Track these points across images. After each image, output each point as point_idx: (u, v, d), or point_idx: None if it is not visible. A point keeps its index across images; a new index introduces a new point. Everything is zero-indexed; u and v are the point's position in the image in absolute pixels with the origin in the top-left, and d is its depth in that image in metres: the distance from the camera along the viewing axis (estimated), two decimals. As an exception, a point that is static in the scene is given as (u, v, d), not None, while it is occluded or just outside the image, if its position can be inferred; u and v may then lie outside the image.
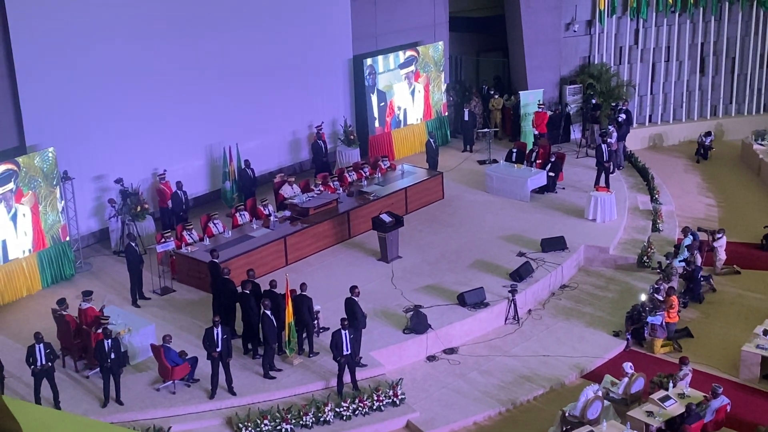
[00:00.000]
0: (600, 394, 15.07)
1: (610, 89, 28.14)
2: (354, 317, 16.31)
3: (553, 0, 27.89)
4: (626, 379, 15.69)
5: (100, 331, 15.66)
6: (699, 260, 20.13)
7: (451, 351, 17.64)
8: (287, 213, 21.19)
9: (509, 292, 18.51)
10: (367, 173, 23.67)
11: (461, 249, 21.00)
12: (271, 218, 20.85)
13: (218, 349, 15.48)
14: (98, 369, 15.82)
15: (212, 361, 15.56)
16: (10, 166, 18.42)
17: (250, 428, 14.83)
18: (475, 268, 20.01)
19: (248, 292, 16.70)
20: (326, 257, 20.71)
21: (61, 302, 16.70)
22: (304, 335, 16.91)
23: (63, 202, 19.57)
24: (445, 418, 15.62)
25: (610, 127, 25.90)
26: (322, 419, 15.22)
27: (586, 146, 27.15)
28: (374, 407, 15.60)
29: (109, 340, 15.29)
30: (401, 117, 27.15)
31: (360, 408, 15.49)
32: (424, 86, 27.53)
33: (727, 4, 29.46)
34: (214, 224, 20.39)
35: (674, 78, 29.94)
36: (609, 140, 24.54)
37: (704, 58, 30.09)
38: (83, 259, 20.44)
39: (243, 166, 22.96)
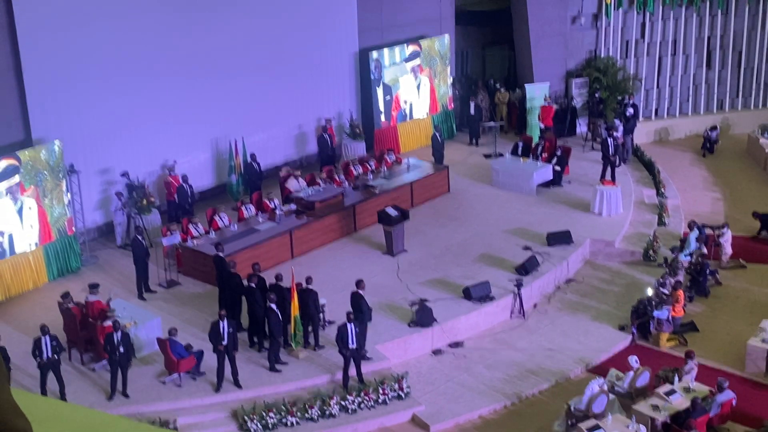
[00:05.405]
0: (605, 387, 15.07)
1: (617, 83, 28.09)
2: (359, 311, 16.33)
3: (560, -7, 27.89)
4: (632, 373, 15.70)
5: (109, 323, 15.70)
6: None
7: (456, 345, 17.65)
8: (293, 206, 21.19)
9: (515, 285, 18.51)
10: (373, 167, 23.64)
11: (467, 243, 21.00)
12: (277, 212, 20.86)
13: (224, 343, 15.50)
14: (105, 361, 15.87)
15: (218, 355, 15.58)
16: (11, 161, 18.41)
17: (255, 421, 14.86)
18: (481, 262, 20.01)
19: (254, 285, 16.72)
20: (332, 251, 20.71)
21: (66, 295, 16.74)
22: (310, 329, 16.93)
23: (69, 195, 19.60)
24: (451, 412, 15.64)
25: (616, 120, 25.85)
26: (327, 412, 15.25)
27: (591, 140, 27.11)
28: (380, 401, 15.62)
29: (119, 333, 15.33)
30: (407, 111, 27.13)
31: (365, 401, 15.51)
32: (429, 80, 27.49)
33: (733, -3, 29.43)
34: (220, 217, 20.42)
35: (680, 72, 29.87)
36: (615, 134, 24.50)
37: (711, 52, 30.03)
38: (89, 252, 20.47)
39: (249, 160, 22.96)
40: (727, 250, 20.87)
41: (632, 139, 26.61)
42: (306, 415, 15.13)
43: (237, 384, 15.75)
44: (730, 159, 27.96)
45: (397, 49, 26.57)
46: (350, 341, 15.60)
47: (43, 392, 15.21)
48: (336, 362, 16.20)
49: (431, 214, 22.61)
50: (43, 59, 19.36)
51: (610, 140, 23.91)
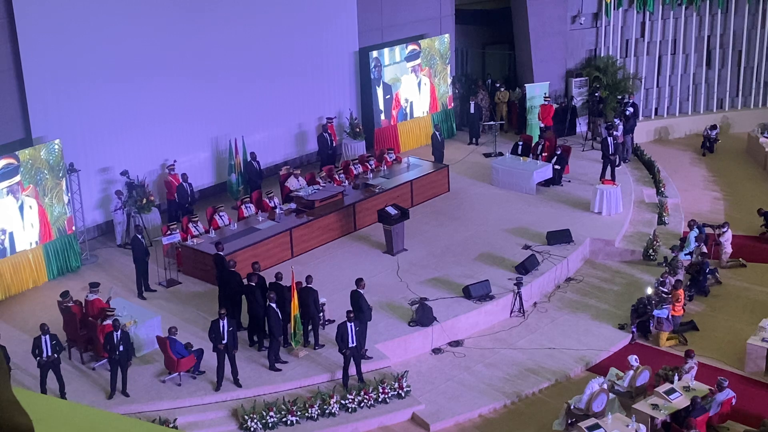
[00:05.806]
0: (605, 386, 15.08)
1: (617, 82, 28.08)
2: (359, 310, 16.33)
3: (560, -8, 27.89)
4: (631, 372, 15.70)
5: (109, 322, 15.69)
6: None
7: (456, 343, 17.65)
8: (293, 205, 21.19)
9: (515, 284, 18.51)
10: (373, 166, 23.64)
11: (467, 242, 21.00)
12: (277, 211, 20.86)
13: (224, 342, 15.50)
14: (105, 360, 15.87)
15: (218, 353, 15.58)
16: (10, 160, 18.41)
17: (255, 420, 14.86)
18: (481, 261, 20.01)
19: (254, 284, 16.72)
20: (332, 250, 20.71)
21: (65, 294, 16.73)
22: (310, 327, 16.93)
23: (69, 194, 19.59)
24: (451, 411, 15.65)
25: (615, 119, 25.86)
26: (327, 411, 15.25)
27: (591, 139, 27.11)
28: (380, 399, 15.62)
29: (119, 332, 15.33)
30: (408, 110, 27.12)
31: (365, 400, 15.52)
32: (429, 79, 27.47)
33: (733, -4, 29.43)
34: (220, 216, 20.42)
35: (680, 71, 29.87)
36: (615, 133, 24.50)
37: (710, 51, 30.03)
38: (89, 251, 20.46)
39: (249, 159, 22.96)
40: (727, 249, 20.87)
41: (632, 139, 26.61)
42: (306, 414, 15.14)
43: (237, 383, 15.75)
44: (730, 158, 27.96)
45: (397, 48, 26.56)
46: (350, 340, 15.60)
47: (43, 391, 15.19)
48: (336, 361, 16.20)
49: (431, 213, 22.61)
50: (43, 59, 19.35)
51: (609, 139, 23.91)
